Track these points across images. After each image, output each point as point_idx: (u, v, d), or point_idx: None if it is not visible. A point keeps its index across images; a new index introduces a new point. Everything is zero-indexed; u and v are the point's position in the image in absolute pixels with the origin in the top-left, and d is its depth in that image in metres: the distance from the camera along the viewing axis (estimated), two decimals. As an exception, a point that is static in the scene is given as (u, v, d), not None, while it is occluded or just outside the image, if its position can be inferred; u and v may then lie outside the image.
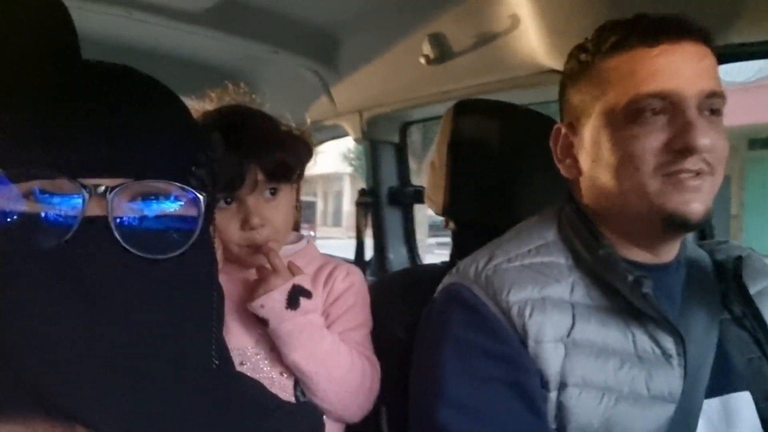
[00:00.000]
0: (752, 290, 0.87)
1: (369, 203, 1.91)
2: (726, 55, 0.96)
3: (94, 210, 0.48)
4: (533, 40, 1.27)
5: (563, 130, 0.86)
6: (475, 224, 1.06)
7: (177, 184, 0.52)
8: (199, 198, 0.53)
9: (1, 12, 0.55)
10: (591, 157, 0.81)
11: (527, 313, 0.77)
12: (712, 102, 0.75)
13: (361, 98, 1.80)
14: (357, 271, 1.03)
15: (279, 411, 0.67)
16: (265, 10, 1.51)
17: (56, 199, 0.48)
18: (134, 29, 1.56)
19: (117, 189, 0.48)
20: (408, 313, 0.96)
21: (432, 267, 1.16)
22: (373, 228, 1.95)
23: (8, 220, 0.47)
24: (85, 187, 0.47)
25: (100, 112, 0.50)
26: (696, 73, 0.75)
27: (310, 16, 1.56)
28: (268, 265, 0.91)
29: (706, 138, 0.72)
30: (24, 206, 0.48)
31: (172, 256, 0.51)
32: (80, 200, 0.47)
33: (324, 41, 1.65)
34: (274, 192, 0.93)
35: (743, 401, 0.80)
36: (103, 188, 0.48)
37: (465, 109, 1.10)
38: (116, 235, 0.48)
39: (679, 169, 0.73)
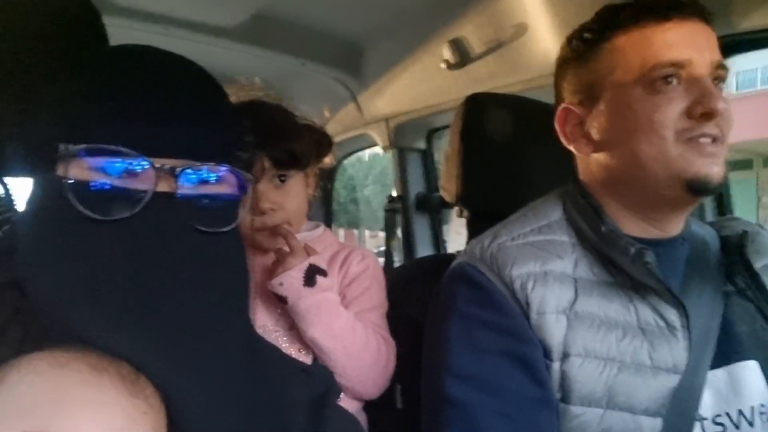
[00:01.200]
0: (758, 264, 0.87)
1: (397, 209, 1.96)
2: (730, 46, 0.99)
3: (163, 187, 0.54)
4: (547, 41, 1.31)
5: (573, 109, 0.87)
6: (488, 211, 1.09)
7: (230, 167, 0.59)
8: (245, 179, 0.61)
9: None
10: (608, 131, 0.83)
11: (529, 286, 0.80)
12: (720, 72, 0.79)
13: (387, 106, 1.86)
14: (372, 255, 1.08)
15: (295, 368, 0.72)
16: (292, 23, 1.58)
17: (125, 175, 0.54)
18: (172, 46, 1.65)
19: (183, 169, 0.54)
20: (423, 296, 0.99)
21: (450, 255, 1.19)
22: (401, 234, 1.99)
23: (86, 190, 0.53)
24: (156, 166, 0.53)
25: (166, 98, 0.56)
26: (705, 45, 0.79)
27: (336, 27, 1.63)
28: (286, 247, 0.96)
29: (722, 103, 0.76)
30: (98, 178, 0.53)
31: (224, 231, 0.58)
32: (150, 175, 0.53)
33: (350, 51, 1.72)
34: (283, 179, 0.98)
35: (750, 369, 0.81)
36: (170, 167, 0.54)
37: (476, 101, 1.14)
38: (181, 209, 0.54)
39: (700, 133, 0.76)
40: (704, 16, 0.80)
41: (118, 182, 0.54)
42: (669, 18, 0.79)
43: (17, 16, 0.73)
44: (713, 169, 0.77)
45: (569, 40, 0.89)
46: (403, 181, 1.96)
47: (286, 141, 0.97)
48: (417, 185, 1.97)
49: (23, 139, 0.60)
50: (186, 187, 0.55)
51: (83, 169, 0.53)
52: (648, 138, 0.78)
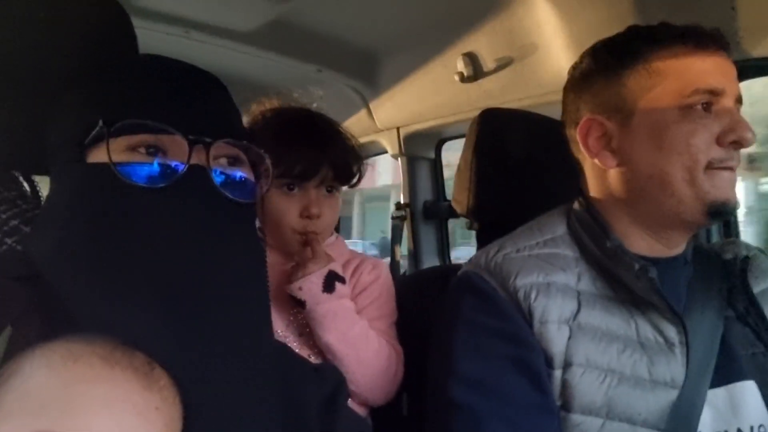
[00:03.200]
0: (756, 289, 0.90)
1: (404, 217, 1.98)
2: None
3: (195, 160, 0.59)
4: (560, 59, 1.33)
5: (598, 121, 0.87)
6: (497, 224, 1.11)
7: (251, 146, 0.65)
8: (264, 159, 0.68)
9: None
10: (638, 148, 0.84)
11: (533, 296, 0.82)
12: (739, 107, 0.84)
13: (399, 115, 1.89)
14: (382, 265, 1.10)
15: (306, 366, 0.75)
16: (310, 30, 1.60)
17: (160, 153, 0.60)
18: (192, 48, 1.68)
19: (213, 145, 0.60)
20: (429, 307, 1.01)
21: (455, 266, 1.21)
22: (409, 241, 2.01)
23: (125, 166, 0.58)
24: (191, 141, 0.59)
25: (194, 89, 0.64)
26: (733, 78, 0.83)
27: (353, 36, 1.65)
28: (308, 253, 0.98)
29: (750, 132, 0.80)
30: (137, 157, 0.59)
31: (247, 203, 0.64)
32: (183, 148, 0.58)
33: (365, 60, 1.74)
34: (331, 190, 1.02)
35: (749, 390, 0.83)
36: (202, 141, 0.59)
37: (490, 116, 1.17)
38: (213, 178, 0.60)
39: (728, 165, 0.80)
40: (728, 51, 0.84)
41: (153, 159, 0.59)
42: (706, 48, 0.82)
43: (48, 19, 0.76)
44: (732, 195, 0.81)
45: (593, 53, 0.90)
46: (411, 189, 1.99)
47: (348, 155, 1.02)
48: (425, 193, 2.00)
49: (55, 134, 0.64)
50: (215, 161, 0.61)
51: (118, 151, 0.58)
52: (682, 161, 0.80)
